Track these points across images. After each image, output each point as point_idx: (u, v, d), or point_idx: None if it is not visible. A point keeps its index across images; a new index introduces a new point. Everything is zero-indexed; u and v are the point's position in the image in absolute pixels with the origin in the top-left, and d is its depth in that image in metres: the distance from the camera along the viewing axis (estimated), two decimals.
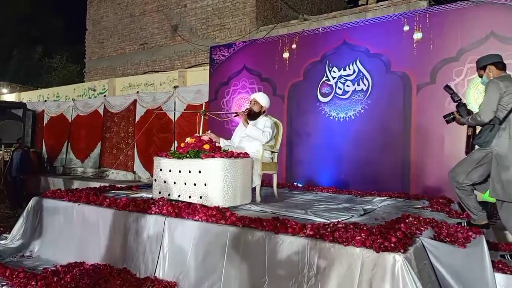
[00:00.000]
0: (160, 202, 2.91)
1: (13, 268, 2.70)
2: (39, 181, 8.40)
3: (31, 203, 3.51)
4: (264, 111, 3.87)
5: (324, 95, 5.21)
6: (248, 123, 3.64)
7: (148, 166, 7.65)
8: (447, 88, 2.92)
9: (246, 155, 3.17)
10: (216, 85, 6.33)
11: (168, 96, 7.62)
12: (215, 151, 3.07)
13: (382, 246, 1.95)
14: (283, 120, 4.79)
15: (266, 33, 6.93)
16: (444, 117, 2.86)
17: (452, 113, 2.84)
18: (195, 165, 2.98)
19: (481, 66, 2.75)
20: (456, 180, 2.69)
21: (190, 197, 2.98)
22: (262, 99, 3.79)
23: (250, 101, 3.84)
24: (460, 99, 2.88)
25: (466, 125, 2.81)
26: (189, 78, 8.13)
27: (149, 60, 9.36)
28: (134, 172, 8.23)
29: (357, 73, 4.93)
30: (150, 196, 3.33)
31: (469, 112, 2.83)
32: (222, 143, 3.69)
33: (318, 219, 2.65)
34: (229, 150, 3.14)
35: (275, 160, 3.87)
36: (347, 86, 5.02)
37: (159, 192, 3.15)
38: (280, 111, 5.40)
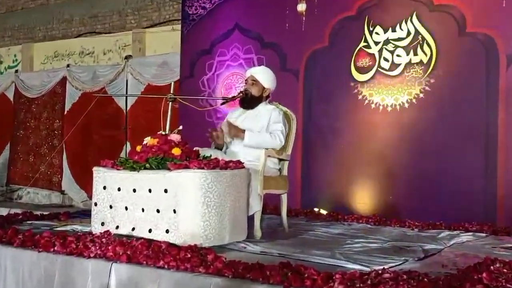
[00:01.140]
0: (103, 239, 2.88)
1: None
2: None
3: None
4: (268, 96, 3.87)
5: (362, 70, 5.13)
6: (244, 132, 3.63)
7: (85, 182, 7.52)
8: None
9: (239, 164, 3.15)
10: (192, 55, 6.30)
11: (117, 71, 7.51)
12: (191, 158, 3.05)
13: None
14: (297, 110, 4.70)
15: None
16: None
17: None
18: (158, 180, 2.96)
19: None
20: None
21: (150, 230, 2.97)
22: (264, 76, 3.79)
23: (246, 80, 3.87)
24: None
25: None
26: (150, 43, 8.04)
27: (87, 16, 9.20)
28: (62, 192, 8.13)
29: (413, 35, 4.87)
30: (87, 229, 3.34)
31: None
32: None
33: (352, 266, 2.65)
34: (212, 158, 3.12)
35: (285, 172, 3.81)
36: (398, 56, 4.95)
37: (102, 224, 3.16)
38: (293, 96, 5.31)
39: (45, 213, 4.34)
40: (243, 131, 3.67)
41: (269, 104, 3.87)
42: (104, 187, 3.17)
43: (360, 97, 5.14)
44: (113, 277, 2.64)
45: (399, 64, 4.97)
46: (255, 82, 3.78)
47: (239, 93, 3.87)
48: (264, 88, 3.80)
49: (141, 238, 2.91)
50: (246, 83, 3.87)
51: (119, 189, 3.10)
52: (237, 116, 3.95)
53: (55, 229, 3.51)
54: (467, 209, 4.44)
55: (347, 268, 2.56)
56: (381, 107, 5.03)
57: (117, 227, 3.10)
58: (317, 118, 5.40)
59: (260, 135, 3.66)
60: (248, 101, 3.79)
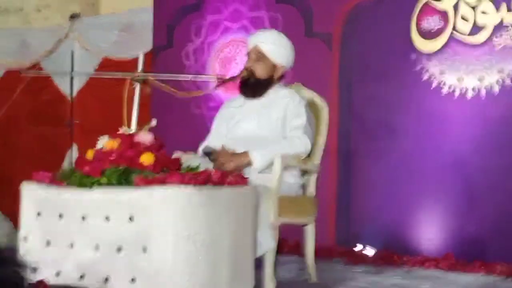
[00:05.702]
0: None
1: None
2: None
3: None
4: (282, 77, 3.73)
5: (429, 35, 4.96)
6: (250, 158, 3.47)
7: (8, 205, 7.27)
8: None
9: (241, 179, 3.07)
10: (171, 13, 6.17)
11: (57, 38, 7.51)
12: (168, 169, 2.98)
13: None
14: (329, 96, 4.48)
15: None
16: None
17: None
18: (120, 203, 2.89)
19: None
20: None
21: (107, 279, 2.85)
22: (276, 47, 3.69)
23: (248, 53, 3.71)
24: None
25: None
26: None
27: None
28: None
29: None
30: None
31: None
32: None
33: None
34: (202, 169, 3.03)
35: (312, 191, 3.70)
36: (483, 13, 4.84)
37: (34, 269, 2.97)
38: (323, 74, 5.10)
39: None
40: (245, 154, 3.50)
41: (284, 88, 3.65)
42: (39, 214, 3.03)
43: (425, 76, 4.90)
44: None
45: (485, 28, 4.82)
46: (261, 56, 3.61)
47: (241, 72, 3.67)
48: (275, 65, 3.62)
49: None
50: (248, 58, 3.68)
51: (60, 217, 2.98)
52: (236, 106, 3.79)
53: None
54: None
55: None
56: (457, 93, 4.79)
57: (58, 273, 2.95)
58: (360, 108, 5.11)
59: (274, 146, 3.51)
60: (252, 86, 3.63)
